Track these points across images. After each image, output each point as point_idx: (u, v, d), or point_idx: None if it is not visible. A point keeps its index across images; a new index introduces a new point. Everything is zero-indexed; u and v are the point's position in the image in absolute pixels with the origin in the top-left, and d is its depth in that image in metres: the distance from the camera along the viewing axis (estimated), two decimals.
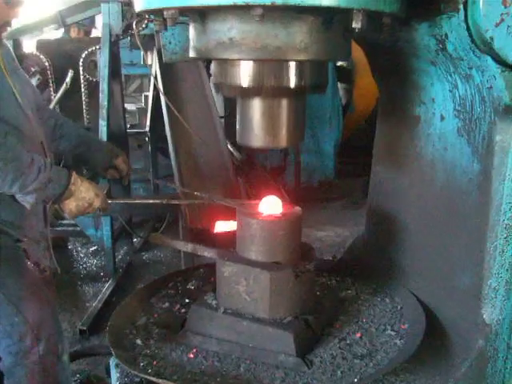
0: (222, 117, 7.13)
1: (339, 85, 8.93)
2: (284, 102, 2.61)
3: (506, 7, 2.23)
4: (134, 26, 4.48)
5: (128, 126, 7.59)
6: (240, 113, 2.72)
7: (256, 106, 2.62)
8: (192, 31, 2.54)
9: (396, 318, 2.99)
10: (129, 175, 3.86)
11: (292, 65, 2.46)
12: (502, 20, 2.25)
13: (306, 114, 2.78)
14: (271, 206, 2.82)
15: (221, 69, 2.57)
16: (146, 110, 8.11)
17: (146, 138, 7.56)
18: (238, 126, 2.76)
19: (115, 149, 3.77)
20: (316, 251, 3.02)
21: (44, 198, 2.81)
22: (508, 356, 2.75)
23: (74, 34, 7.79)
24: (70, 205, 2.86)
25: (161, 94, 5.63)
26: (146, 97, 8.50)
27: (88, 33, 7.67)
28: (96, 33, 7.87)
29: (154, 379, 2.48)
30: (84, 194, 2.86)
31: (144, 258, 6.71)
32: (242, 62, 2.45)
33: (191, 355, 2.70)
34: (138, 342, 2.81)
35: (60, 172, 2.81)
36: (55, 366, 3.08)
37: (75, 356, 4.14)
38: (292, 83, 2.48)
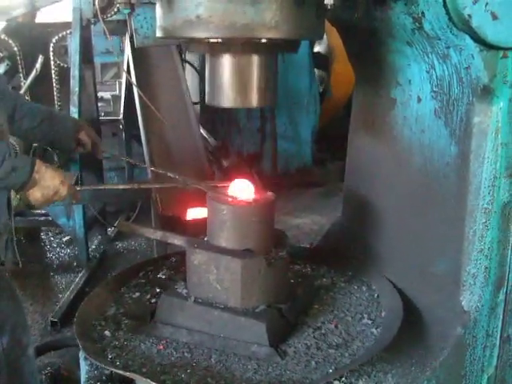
0: (196, 103, 7.05)
1: (316, 71, 8.87)
2: (255, 59, 2.52)
3: None
4: (98, 11, 4.37)
5: (102, 113, 7.47)
6: (209, 72, 2.64)
7: (226, 63, 2.53)
8: (159, 10, 2.47)
9: (373, 307, 2.94)
10: (98, 147, 3.69)
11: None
12: None
13: (277, 77, 2.68)
14: (243, 191, 2.74)
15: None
16: (120, 97, 7.99)
17: (121, 126, 7.45)
18: (206, 87, 2.68)
19: (78, 121, 3.67)
20: (293, 239, 2.95)
21: (7, 186, 2.72)
22: (487, 344, 2.71)
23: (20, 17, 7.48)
24: (36, 194, 2.77)
25: (130, 80, 5.54)
26: (121, 83, 8.38)
27: (34, 16, 7.42)
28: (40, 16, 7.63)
29: (121, 372, 2.41)
30: (49, 182, 2.76)
31: (118, 247, 6.60)
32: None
33: (161, 347, 2.63)
34: (107, 333, 2.74)
35: (24, 160, 2.72)
36: (19, 359, 2.99)
37: (44, 349, 4.05)
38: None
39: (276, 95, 2.71)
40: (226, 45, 2.44)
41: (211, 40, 2.43)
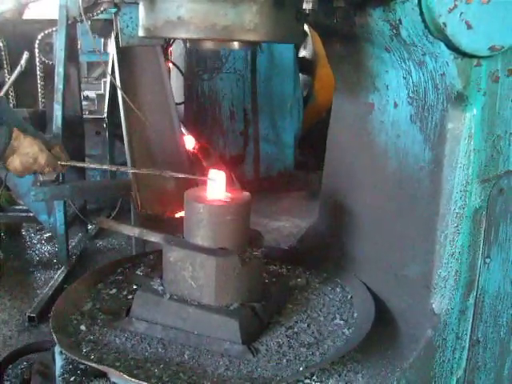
0: (179, 103, 7.08)
1: (301, 76, 8.91)
2: None
3: None
4: (82, 11, 4.38)
5: (87, 112, 7.49)
6: None
7: None
8: (141, 10, 2.50)
9: (345, 308, 2.97)
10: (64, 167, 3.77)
11: None
12: (455, 6, 2.24)
13: None
14: (219, 190, 2.77)
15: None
16: (104, 96, 8.00)
17: (104, 125, 7.46)
18: None
19: (51, 142, 3.71)
20: (273, 241, 2.98)
21: None
22: (456, 346, 2.75)
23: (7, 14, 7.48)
24: (15, 162, 2.79)
25: (113, 81, 5.56)
26: (105, 82, 8.40)
27: (21, 13, 7.40)
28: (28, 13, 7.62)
29: (95, 365, 2.43)
30: (28, 149, 2.79)
31: (98, 245, 6.60)
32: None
33: (135, 342, 2.65)
34: (82, 327, 2.75)
35: (1, 128, 2.73)
36: None
37: (16, 356, 4.03)
38: None
39: None
40: None
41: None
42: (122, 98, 4.98)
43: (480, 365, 2.87)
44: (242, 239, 2.77)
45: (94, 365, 2.43)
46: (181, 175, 3.00)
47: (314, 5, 2.15)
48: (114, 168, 3.48)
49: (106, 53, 7.57)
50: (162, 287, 2.80)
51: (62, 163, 3.24)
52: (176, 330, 2.66)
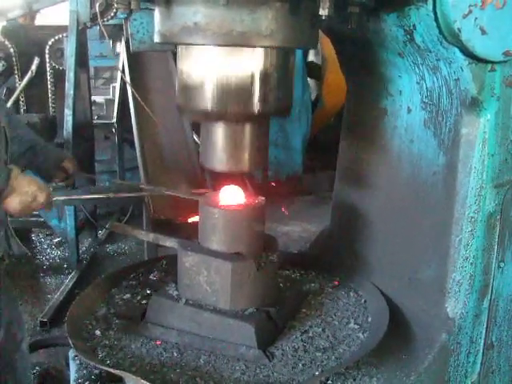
0: None
1: (309, 80, 8.91)
2: (247, 127, 2.60)
3: None
4: (98, 14, 4.41)
5: (95, 117, 7.50)
6: (203, 136, 2.70)
7: (219, 130, 2.60)
8: (157, 15, 2.50)
9: (359, 312, 2.97)
10: (73, 178, 3.82)
11: (256, 90, 2.44)
12: (470, 11, 2.25)
13: (268, 138, 2.77)
14: (233, 195, 2.78)
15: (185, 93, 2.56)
16: (113, 101, 8.01)
17: (113, 130, 7.48)
18: (201, 148, 2.76)
19: (62, 154, 3.74)
20: (282, 246, 2.98)
21: None
22: (471, 350, 2.76)
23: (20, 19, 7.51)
24: (13, 201, 2.74)
25: (126, 84, 5.57)
26: (114, 88, 8.41)
27: (33, 18, 7.43)
28: (40, 19, 7.65)
29: (111, 370, 2.43)
30: (26, 187, 2.74)
31: (108, 250, 6.63)
32: (206, 87, 2.44)
33: (151, 346, 2.65)
34: (97, 332, 2.75)
35: (1, 169, 2.71)
36: (14, 354, 3.01)
37: (35, 346, 4.08)
38: (256, 109, 2.48)
39: (267, 157, 2.79)
40: (221, 115, 2.51)
41: (207, 110, 2.49)
42: (134, 102, 5.00)
43: (494, 368, 2.87)
44: (257, 244, 2.78)
45: (110, 370, 2.43)
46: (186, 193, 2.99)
47: (330, 11, 2.16)
48: (110, 195, 3.50)
49: (115, 58, 7.58)
50: (177, 292, 2.81)
51: (58, 198, 3.29)
52: (191, 335, 2.67)
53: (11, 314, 3.01)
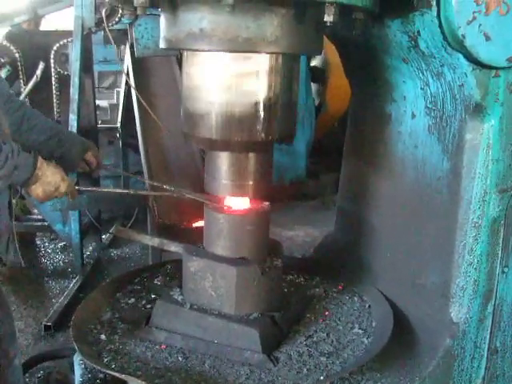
0: None
1: (313, 85, 8.91)
2: (251, 155, 2.66)
3: (478, 5, 2.25)
4: (104, 19, 4.42)
5: (99, 121, 7.50)
6: (208, 162, 2.75)
7: (223, 157, 2.66)
8: (163, 21, 2.52)
9: (364, 317, 2.98)
10: (99, 169, 3.82)
11: (260, 119, 2.49)
12: (474, 18, 2.26)
13: (273, 164, 2.85)
14: (238, 201, 2.79)
15: (190, 120, 2.61)
16: (117, 105, 8.02)
17: (118, 134, 7.49)
18: (205, 176, 2.79)
19: (86, 142, 3.71)
20: (286, 250, 2.99)
21: (11, 183, 2.78)
22: (475, 355, 2.76)
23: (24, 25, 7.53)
24: (37, 190, 2.82)
25: (131, 88, 5.59)
26: (118, 92, 8.42)
27: (38, 24, 7.42)
28: (45, 24, 7.65)
29: (117, 375, 2.44)
30: (50, 178, 2.82)
31: (112, 254, 6.63)
32: (211, 115, 2.49)
33: (156, 351, 2.66)
34: (103, 337, 2.77)
35: (26, 158, 2.76)
36: (6, 370, 2.99)
37: (38, 359, 4.06)
38: (260, 137, 2.53)
39: (271, 182, 2.90)
40: (225, 143, 2.56)
41: (211, 138, 2.55)
42: (138, 106, 5.01)
43: (498, 373, 2.87)
44: (262, 249, 2.79)
45: (116, 374, 2.44)
46: (199, 196, 2.99)
47: (335, 17, 2.17)
48: (132, 191, 3.50)
49: (119, 63, 7.58)
50: (181, 297, 2.82)
51: (81, 189, 3.31)
52: (196, 340, 2.68)
53: (5, 329, 2.98)
